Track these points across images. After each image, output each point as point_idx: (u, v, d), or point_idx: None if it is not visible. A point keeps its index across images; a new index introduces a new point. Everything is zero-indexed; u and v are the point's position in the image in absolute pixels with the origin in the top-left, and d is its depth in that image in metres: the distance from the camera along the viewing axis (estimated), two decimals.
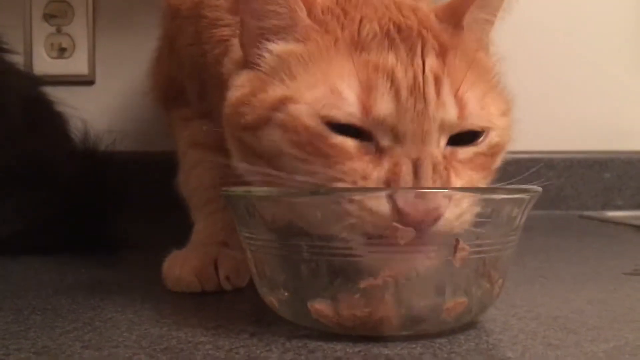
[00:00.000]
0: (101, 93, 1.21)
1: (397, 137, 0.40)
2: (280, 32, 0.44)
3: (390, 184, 0.39)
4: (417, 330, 0.40)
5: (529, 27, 1.07)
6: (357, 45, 0.42)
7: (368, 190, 0.39)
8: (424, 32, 0.43)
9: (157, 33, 0.73)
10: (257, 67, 0.45)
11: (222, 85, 0.51)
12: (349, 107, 0.40)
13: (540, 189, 0.41)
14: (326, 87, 0.41)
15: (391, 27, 0.42)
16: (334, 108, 0.40)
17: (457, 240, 0.38)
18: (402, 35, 0.42)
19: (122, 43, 1.24)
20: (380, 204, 0.38)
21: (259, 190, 0.43)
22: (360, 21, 0.43)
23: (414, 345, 0.39)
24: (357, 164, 0.40)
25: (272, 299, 0.43)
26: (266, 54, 0.44)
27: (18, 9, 1.15)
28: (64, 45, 1.16)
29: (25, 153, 0.79)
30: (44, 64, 1.18)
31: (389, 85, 0.40)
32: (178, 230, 0.96)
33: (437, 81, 0.41)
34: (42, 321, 0.45)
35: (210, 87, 0.59)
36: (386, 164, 0.39)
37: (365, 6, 0.45)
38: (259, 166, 0.42)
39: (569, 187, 1.13)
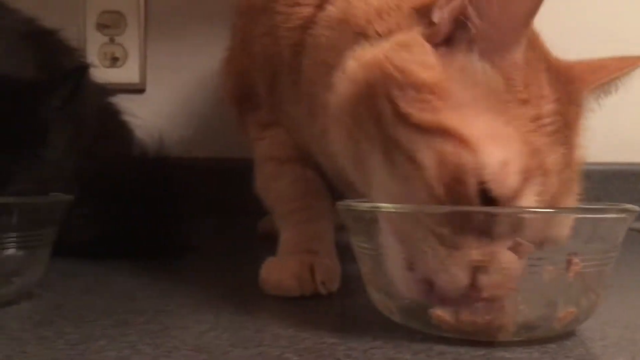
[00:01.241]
0: (151, 101, 1.26)
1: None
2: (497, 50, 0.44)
3: None
4: (528, 336, 0.44)
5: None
6: (535, 128, 0.42)
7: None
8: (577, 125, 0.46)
9: (224, 37, 0.77)
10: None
11: (296, 67, 0.56)
12: (508, 189, 0.41)
13: (638, 208, 0.45)
14: (501, 153, 0.41)
15: (563, 120, 0.44)
16: (500, 183, 0.41)
17: (571, 256, 0.43)
18: (567, 132, 0.44)
19: (172, 52, 1.29)
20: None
21: (386, 206, 0.45)
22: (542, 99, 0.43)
23: (530, 350, 0.43)
24: None
25: (390, 305, 0.47)
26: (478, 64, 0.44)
27: (72, 19, 1.20)
28: (116, 55, 1.21)
29: (100, 161, 0.83)
30: (97, 72, 1.23)
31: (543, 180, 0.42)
32: (242, 235, 1.01)
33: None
34: (181, 321, 0.50)
35: (281, 75, 0.63)
36: None
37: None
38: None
39: (606, 199, 1.17)
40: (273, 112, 0.69)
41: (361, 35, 0.50)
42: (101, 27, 1.21)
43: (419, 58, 0.44)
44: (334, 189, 0.67)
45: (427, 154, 0.42)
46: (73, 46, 0.92)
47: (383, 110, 0.43)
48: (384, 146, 0.43)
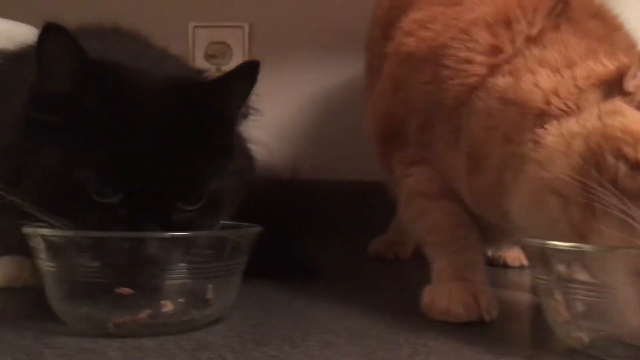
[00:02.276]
0: (253, 126, 1.33)
1: None
2: None
3: None
4: None
5: None
6: None
7: None
8: None
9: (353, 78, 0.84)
10: None
11: (457, 116, 0.63)
12: None
13: None
14: None
15: None
16: None
17: None
18: None
19: (274, 81, 1.36)
20: None
21: (552, 244, 0.52)
22: None
23: None
24: None
25: (582, 335, 0.52)
26: None
27: (183, 50, 1.28)
28: None
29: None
30: None
31: None
32: (352, 255, 1.07)
33: None
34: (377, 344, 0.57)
35: (441, 121, 0.69)
36: None
37: None
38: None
39: None
40: (421, 151, 0.75)
41: (543, 115, 0.57)
42: (209, 57, 1.30)
43: (635, 118, 0.51)
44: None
45: None
46: None
47: (616, 168, 0.49)
48: (619, 200, 0.49)
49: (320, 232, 0.96)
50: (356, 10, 1.28)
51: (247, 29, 1.30)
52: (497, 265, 1.00)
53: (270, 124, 1.31)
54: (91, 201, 0.59)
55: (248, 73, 0.66)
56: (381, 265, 1.05)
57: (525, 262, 1.00)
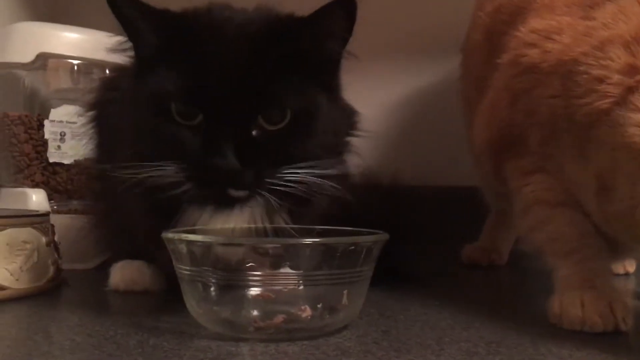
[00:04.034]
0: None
1: None
2: None
3: None
4: None
5: None
6: None
7: None
8: None
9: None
10: None
11: (586, 136, 0.61)
12: None
13: None
14: None
15: None
16: None
17: None
18: None
19: (354, 88, 1.37)
20: None
21: None
22: None
23: None
24: None
25: None
26: None
27: None
28: None
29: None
30: None
31: None
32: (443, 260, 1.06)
33: None
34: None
35: (567, 135, 0.67)
36: None
37: None
38: None
39: None
40: (540, 161, 0.73)
41: None
42: None
43: None
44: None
45: None
46: None
47: None
48: None
49: (417, 237, 0.96)
50: (441, 14, 1.29)
51: None
52: None
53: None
54: (177, 127, 0.63)
55: (344, 7, 0.65)
56: (478, 271, 1.04)
57: (630, 269, 0.98)
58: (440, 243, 1.12)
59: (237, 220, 0.67)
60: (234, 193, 0.64)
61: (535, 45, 0.71)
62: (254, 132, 0.63)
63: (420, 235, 0.95)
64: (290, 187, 0.64)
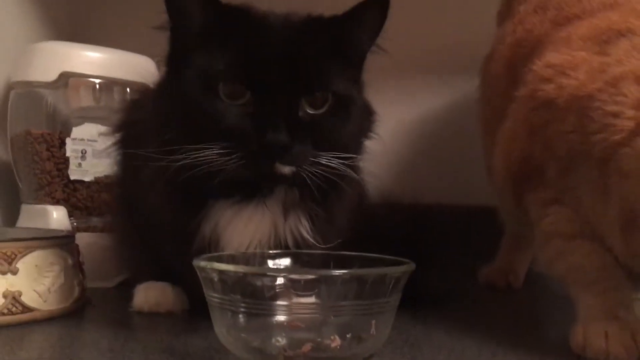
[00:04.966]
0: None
1: None
2: None
3: None
4: None
5: None
6: None
7: None
8: None
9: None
10: None
11: (605, 170, 0.62)
12: None
13: None
14: None
15: None
16: None
17: None
18: None
19: (380, 106, 1.38)
20: None
21: None
22: None
23: None
24: None
25: None
26: None
27: None
28: None
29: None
30: None
31: None
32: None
33: None
34: None
35: (586, 169, 0.68)
36: None
37: None
38: None
39: None
40: (559, 193, 0.73)
41: None
42: None
43: None
44: None
45: None
46: None
47: None
48: None
49: (438, 258, 0.97)
50: (458, 33, 1.30)
51: None
52: None
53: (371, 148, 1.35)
54: (225, 105, 0.66)
55: (379, 4, 0.70)
56: (496, 293, 1.05)
57: None
58: (457, 261, 1.13)
59: (257, 223, 0.71)
60: (281, 169, 0.67)
61: (550, 80, 0.72)
62: (300, 113, 0.67)
63: (441, 255, 0.96)
64: (326, 172, 0.68)
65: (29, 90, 1.05)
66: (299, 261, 0.72)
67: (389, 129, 1.33)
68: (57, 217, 1.02)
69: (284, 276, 0.59)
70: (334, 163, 0.68)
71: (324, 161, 0.68)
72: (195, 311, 0.78)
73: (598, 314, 0.68)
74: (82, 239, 0.90)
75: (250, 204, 0.70)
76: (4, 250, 0.71)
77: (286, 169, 0.67)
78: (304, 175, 0.67)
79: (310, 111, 0.68)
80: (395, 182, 1.33)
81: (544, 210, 0.76)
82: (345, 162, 0.69)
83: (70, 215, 1.03)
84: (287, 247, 0.73)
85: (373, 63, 1.35)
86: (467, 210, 1.23)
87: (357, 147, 0.74)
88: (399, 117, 1.32)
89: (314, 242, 0.74)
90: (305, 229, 0.73)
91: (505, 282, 1.06)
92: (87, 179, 1.04)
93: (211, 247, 0.71)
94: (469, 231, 1.20)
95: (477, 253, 1.14)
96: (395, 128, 1.32)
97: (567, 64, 0.72)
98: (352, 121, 0.71)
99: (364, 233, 0.83)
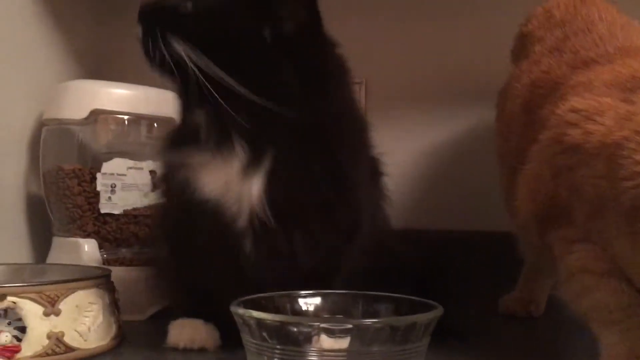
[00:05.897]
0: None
1: None
2: None
3: None
4: None
5: None
6: None
7: None
8: None
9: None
10: None
11: (636, 219, 0.62)
12: None
13: None
14: None
15: None
16: None
17: None
18: None
19: (387, 134, 1.41)
20: None
21: None
22: None
23: None
24: None
25: None
26: None
27: None
28: None
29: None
30: None
31: None
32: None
33: None
34: None
35: (615, 213, 0.68)
36: None
37: None
38: None
39: None
40: (586, 233, 0.74)
41: None
42: None
43: None
44: None
45: None
46: None
47: None
48: None
49: (457, 288, 0.99)
50: (472, 61, 1.33)
51: (364, 84, 1.35)
52: None
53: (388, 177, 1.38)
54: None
55: None
56: (518, 324, 1.06)
57: None
58: (476, 290, 1.15)
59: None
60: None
61: (577, 125, 0.72)
62: None
63: (460, 285, 0.98)
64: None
65: (61, 127, 1.09)
66: (329, 300, 0.75)
67: (407, 157, 1.39)
68: (88, 250, 1.06)
69: (322, 327, 0.61)
70: None
71: None
72: (227, 347, 0.81)
73: (620, 353, 0.69)
74: (117, 274, 0.93)
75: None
76: (47, 293, 0.74)
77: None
78: None
79: None
80: (414, 210, 1.37)
81: (570, 247, 0.76)
82: None
83: (100, 247, 1.07)
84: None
85: (391, 92, 1.40)
86: (488, 236, 1.25)
87: None
88: (416, 145, 1.36)
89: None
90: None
91: (526, 311, 1.07)
92: (116, 211, 1.07)
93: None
94: (488, 257, 1.22)
95: (496, 278, 1.16)
96: (413, 156, 1.35)
97: (592, 110, 0.72)
98: None
99: (382, 262, 0.86)
